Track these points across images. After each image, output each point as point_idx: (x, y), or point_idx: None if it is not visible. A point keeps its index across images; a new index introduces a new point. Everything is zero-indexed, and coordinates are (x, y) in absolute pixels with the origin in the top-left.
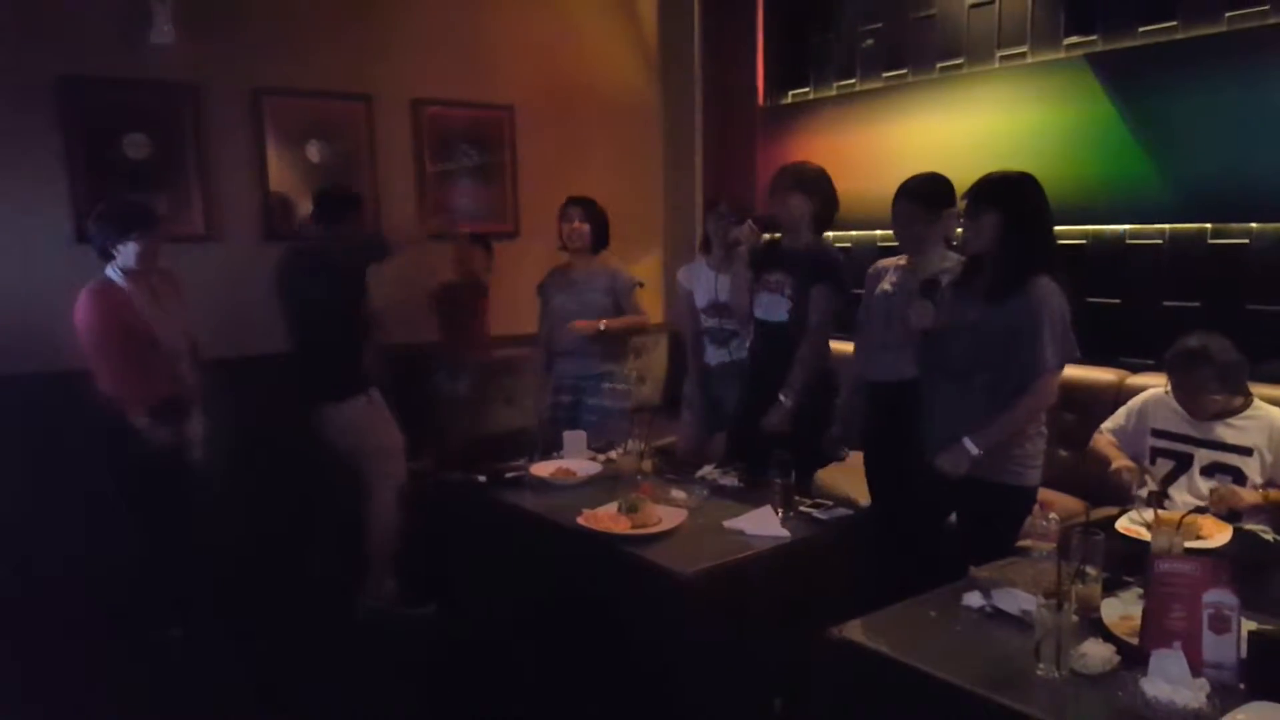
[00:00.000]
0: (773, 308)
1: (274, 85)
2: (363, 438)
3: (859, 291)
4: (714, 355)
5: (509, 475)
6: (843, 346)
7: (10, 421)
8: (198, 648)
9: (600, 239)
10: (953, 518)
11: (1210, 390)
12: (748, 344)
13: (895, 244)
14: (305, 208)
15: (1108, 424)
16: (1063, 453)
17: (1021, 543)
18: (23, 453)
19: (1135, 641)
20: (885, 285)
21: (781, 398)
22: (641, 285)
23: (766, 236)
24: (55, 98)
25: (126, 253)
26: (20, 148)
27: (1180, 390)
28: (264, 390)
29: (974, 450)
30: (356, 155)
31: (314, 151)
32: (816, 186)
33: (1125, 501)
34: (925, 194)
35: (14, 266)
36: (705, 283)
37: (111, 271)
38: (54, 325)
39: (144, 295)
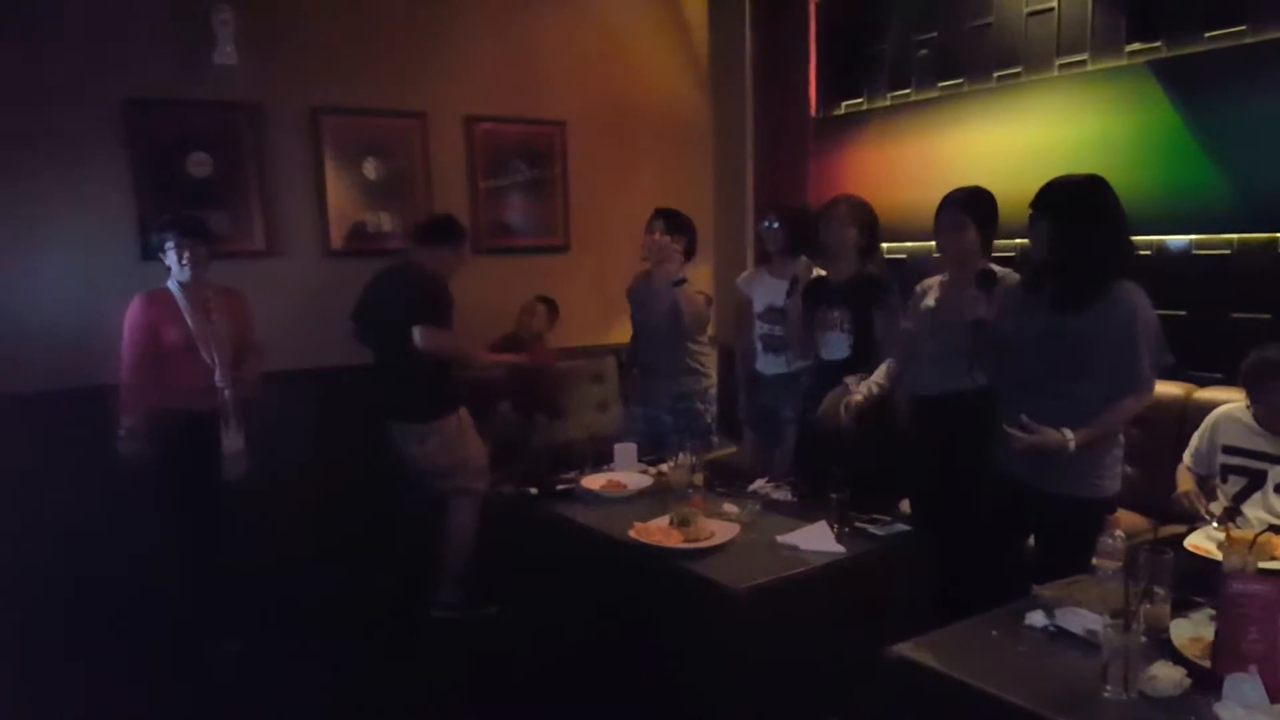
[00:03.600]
0: (834, 346)
1: (332, 104)
2: (454, 454)
3: None
4: (768, 364)
5: (560, 488)
6: None
7: (76, 434)
8: (258, 660)
9: (688, 248)
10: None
11: None
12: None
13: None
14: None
15: (1186, 451)
16: (1128, 469)
17: None
18: (89, 464)
19: (1207, 664)
20: (929, 301)
21: (846, 380)
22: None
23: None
24: (123, 118)
25: (169, 260)
26: (89, 167)
27: (1257, 403)
28: (326, 402)
29: (1071, 444)
30: (411, 172)
31: (370, 168)
32: (867, 220)
33: (1193, 520)
34: (971, 204)
35: (81, 282)
36: (765, 289)
37: (170, 282)
38: (119, 341)
39: (195, 307)
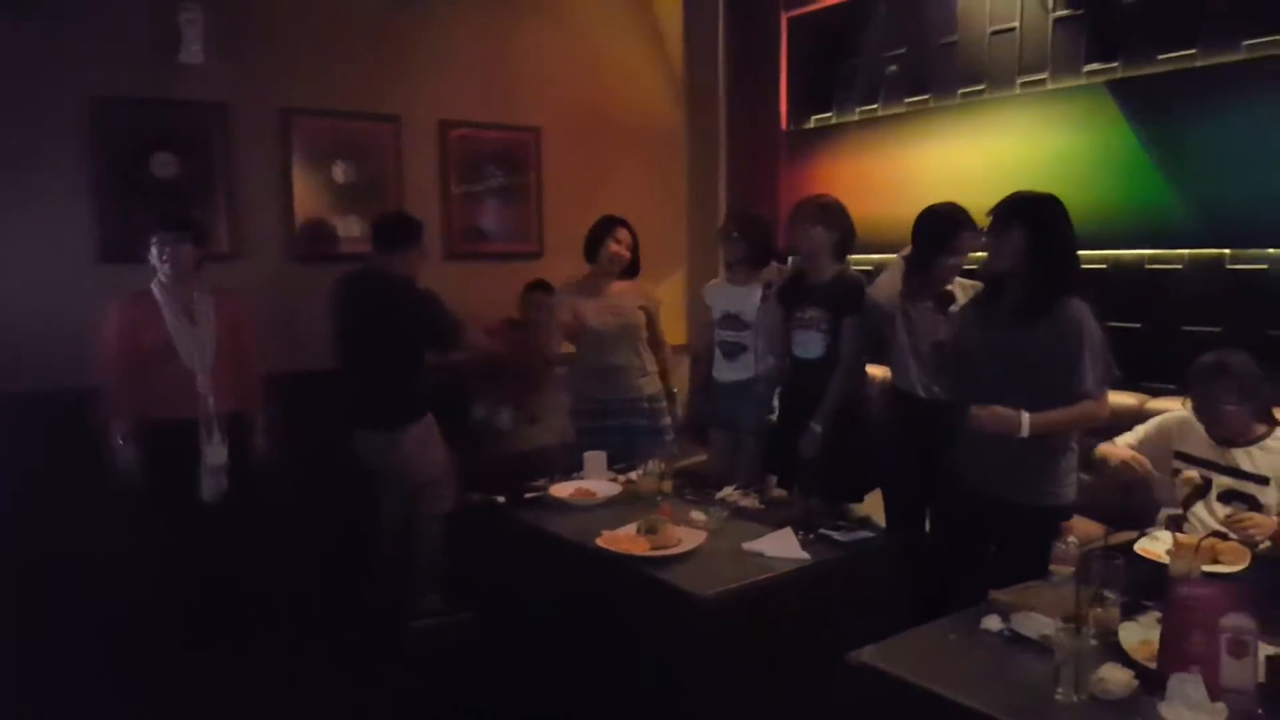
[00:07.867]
0: (809, 345)
1: (302, 105)
2: (424, 457)
3: None
4: (725, 371)
5: (529, 496)
6: (876, 372)
7: (35, 438)
8: (237, 666)
9: (636, 264)
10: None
11: (1229, 402)
12: (761, 366)
13: None
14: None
15: (1130, 435)
16: (1084, 476)
17: None
18: (46, 469)
19: (1154, 666)
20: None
21: (813, 425)
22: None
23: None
24: (87, 117)
25: (153, 260)
26: (51, 167)
27: (1199, 406)
28: (291, 407)
29: (1025, 427)
30: (383, 176)
31: (339, 172)
32: (837, 218)
33: (1129, 488)
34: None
35: (40, 284)
36: (723, 296)
37: (153, 283)
38: (78, 342)
39: (177, 309)
